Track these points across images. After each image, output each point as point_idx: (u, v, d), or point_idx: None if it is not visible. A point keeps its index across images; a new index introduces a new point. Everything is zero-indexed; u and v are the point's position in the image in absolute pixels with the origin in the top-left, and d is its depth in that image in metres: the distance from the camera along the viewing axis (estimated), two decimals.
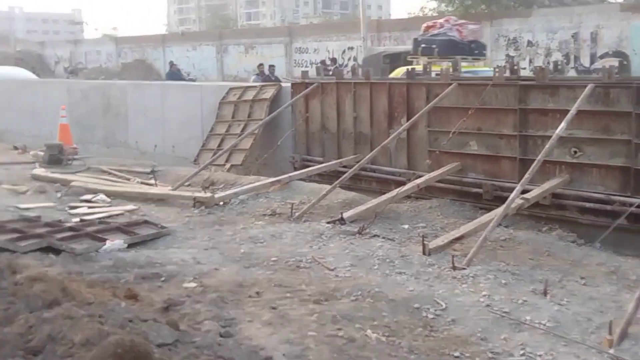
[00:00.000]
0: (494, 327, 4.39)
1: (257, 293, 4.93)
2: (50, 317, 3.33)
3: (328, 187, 8.13)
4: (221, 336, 4.00)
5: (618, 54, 18.51)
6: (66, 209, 7.97)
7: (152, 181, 9.60)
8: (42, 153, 11.61)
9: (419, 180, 8.03)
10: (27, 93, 17.45)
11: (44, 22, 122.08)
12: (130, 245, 6.20)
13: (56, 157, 11.13)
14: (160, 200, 8.44)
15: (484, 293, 4.97)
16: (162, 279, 5.25)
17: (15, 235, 6.23)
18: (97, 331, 3.16)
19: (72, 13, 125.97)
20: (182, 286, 5.05)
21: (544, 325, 4.44)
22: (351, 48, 27.40)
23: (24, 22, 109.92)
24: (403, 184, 8.28)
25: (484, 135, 8.13)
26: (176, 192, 8.64)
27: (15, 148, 13.46)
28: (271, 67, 21.64)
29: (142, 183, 9.63)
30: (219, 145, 11.25)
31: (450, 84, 8.31)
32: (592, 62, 19.75)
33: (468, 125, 8.03)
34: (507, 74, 8.17)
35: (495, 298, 4.88)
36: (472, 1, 30.31)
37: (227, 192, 8.32)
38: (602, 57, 18.82)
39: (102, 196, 8.45)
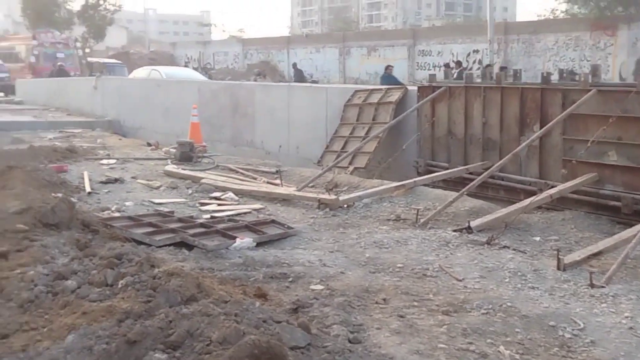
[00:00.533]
0: (638, 352, 4.10)
1: (384, 300, 4.87)
2: (188, 313, 3.41)
3: (454, 193, 7.95)
4: (350, 342, 3.96)
5: None
6: (197, 205, 8.24)
7: (278, 181, 9.76)
8: (173, 150, 12.11)
9: (552, 191, 7.69)
10: (161, 93, 18.28)
11: (175, 24, 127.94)
12: (259, 244, 6.31)
13: (187, 155, 11.56)
14: (285, 200, 8.56)
15: (626, 314, 4.66)
16: (290, 279, 5.30)
17: (150, 229, 6.51)
18: (233, 330, 3.20)
19: (201, 15, 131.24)
20: (310, 288, 5.07)
21: None
22: (476, 51, 26.82)
23: (157, 23, 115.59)
24: (533, 193, 7.97)
25: (624, 145, 7.67)
26: (301, 193, 8.73)
27: (149, 144, 14.13)
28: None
29: (268, 183, 9.81)
30: (343, 148, 11.29)
31: (589, 90, 7.90)
32: None
33: (607, 134, 7.61)
34: None
35: (639, 320, 4.56)
36: (607, 3, 28.81)
37: (351, 195, 8.31)
38: None
39: (230, 194, 8.68)
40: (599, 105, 7.92)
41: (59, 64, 32.65)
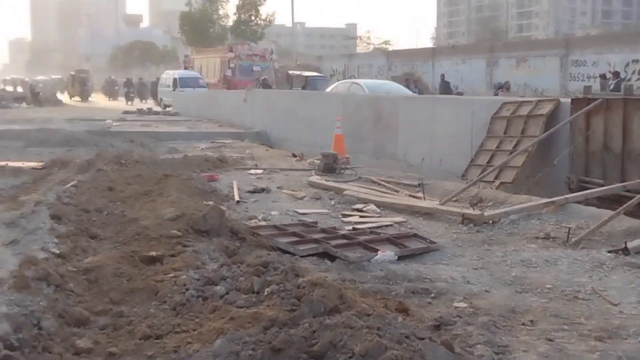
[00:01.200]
0: None
1: (531, 321, 4.65)
2: (331, 324, 3.43)
3: (609, 212, 7.48)
4: None
5: None
6: (339, 216, 8.32)
7: (420, 194, 9.66)
8: (317, 161, 12.34)
9: None
10: (306, 105, 18.73)
11: (322, 37, 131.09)
12: (400, 258, 6.25)
13: (330, 166, 11.73)
14: (427, 214, 8.44)
15: None
16: (432, 295, 5.20)
17: (294, 238, 6.65)
18: (376, 344, 3.19)
19: (346, 28, 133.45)
20: (452, 305, 4.95)
21: None
22: (636, 61, 25.23)
23: (304, 37, 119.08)
24: None
25: None
26: (444, 207, 8.57)
27: (294, 155, 14.51)
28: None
29: (410, 196, 9.73)
30: (489, 162, 10.98)
31: None
32: None
33: None
34: None
35: None
36: None
37: (497, 211, 8.06)
38: None
39: (372, 206, 8.70)
40: None
41: (262, 77, 33.01)
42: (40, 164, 11.38)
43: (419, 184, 10.20)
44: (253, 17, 53.40)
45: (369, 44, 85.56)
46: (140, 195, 8.13)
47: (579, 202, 8.49)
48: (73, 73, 52.86)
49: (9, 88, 60.86)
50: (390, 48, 70.49)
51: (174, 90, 34.11)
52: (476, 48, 38.48)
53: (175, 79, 35.61)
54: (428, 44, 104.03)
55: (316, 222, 7.58)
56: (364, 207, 8.71)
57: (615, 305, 5.01)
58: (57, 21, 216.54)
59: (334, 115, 14.90)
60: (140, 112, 30.21)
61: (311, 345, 3.39)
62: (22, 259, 5.17)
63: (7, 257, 5.83)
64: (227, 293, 4.55)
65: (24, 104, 36.01)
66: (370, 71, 43.42)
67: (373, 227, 7.55)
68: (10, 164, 11.26)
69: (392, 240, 6.70)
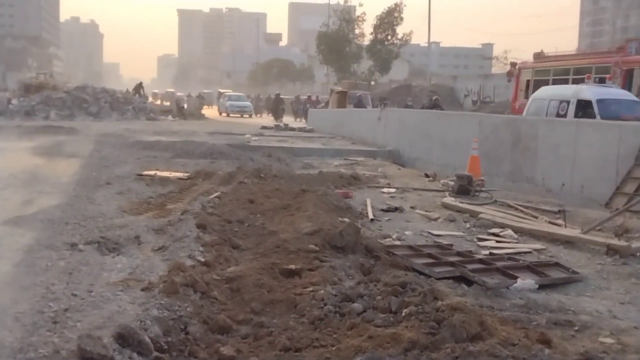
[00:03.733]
0: None
1: None
2: (475, 351, 3.38)
3: None
4: None
5: None
6: (474, 240, 8.17)
7: (560, 221, 9.28)
8: (451, 182, 12.17)
9: None
10: (441, 124, 18.53)
11: (456, 57, 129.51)
12: (541, 287, 6.04)
13: (465, 188, 11.53)
14: (568, 242, 8.11)
15: None
16: (575, 328, 4.98)
17: (430, 260, 6.60)
18: None
19: (482, 48, 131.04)
20: (598, 340, 4.72)
21: None
22: None
23: (438, 56, 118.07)
24: None
25: None
26: (587, 236, 8.18)
27: (426, 176, 14.38)
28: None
29: (549, 222, 9.38)
30: (637, 190, 10.38)
31: None
32: None
33: None
34: None
35: None
36: None
37: None
38: None
39: (509, 231, 8.47)
40: None
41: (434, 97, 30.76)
42: (186, 174, 12.00)
43: (560, 211, 9.80)
44: (389, 37, 53.65)
45: (505, 64, 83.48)
46: (279, 209, 8.38)
47: None
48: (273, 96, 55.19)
49: (158, 102, 65.07)
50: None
51: None
52: None
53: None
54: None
55: (451, 245, 7.49)
56: (501, 231, 8.50)
57: None
58: (202, 39, 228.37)
59: (468, 136, 14.65)
60: (277, 127, 31.13)
61: None
62: (171, 266, 5.49)
63: (157, 263, 6.21)
64: (364, 311, 4.59)
65: (170, 117, 38.11)
66: (507, 92, 42.25)
67: (511, 253, 7.35)
68: (159, 173, 11.96)
69: (532, 268, 6.49)
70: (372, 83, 55.62)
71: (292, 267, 5.71)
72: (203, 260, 5.98)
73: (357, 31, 56.83)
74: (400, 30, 55.82)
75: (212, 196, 9.22)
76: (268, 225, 7.50)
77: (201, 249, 6.34)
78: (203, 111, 45.36)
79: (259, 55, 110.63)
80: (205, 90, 76.31)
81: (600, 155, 11.96)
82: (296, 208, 8.29)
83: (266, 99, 54.56)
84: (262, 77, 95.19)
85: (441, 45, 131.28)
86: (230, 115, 48.33)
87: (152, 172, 11.92)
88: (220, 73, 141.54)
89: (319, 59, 59.63)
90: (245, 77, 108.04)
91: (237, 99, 52.98)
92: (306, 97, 48.67)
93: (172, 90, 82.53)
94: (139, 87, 42.29)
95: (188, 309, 4.65)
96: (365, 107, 32.46)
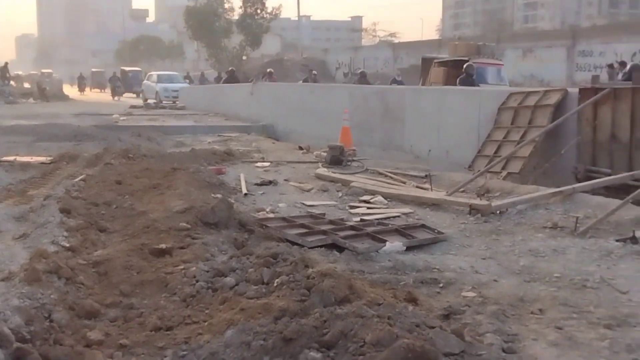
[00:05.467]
0: None
1: (540, 310, 4.66)
2: (342, 313, 3.45)
3: (616, 201, 7.47)
4: (504, 352, 3.84)
5: None
6: (346, 208, 8.34)
7: (427, 185, 9.66)
8: (324, 154, 12.35)
9: None
10: (314, 97, 18.72)
11: (327, 30, 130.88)
12: (408, 249, 6.26)
13: (337, 158, 11.73)
14: (434, 205, 8.45)
15: None
16: (440, 285, 5.22)
17: (303, 230, 6.67)
18: (387, 332, 3.21)
19: (352, 21, 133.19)
20: (461, 294, 4.97)
21: None
22: None
23: (310, 30, 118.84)
24: None
25: None
26: (451, 198, 8.58)
27: (300, 148, 14.51)
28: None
29: (417, 187, 9.74)
30: (496, 152, 10.97)
31: None
32: None
33: None
34: None
35: None
36: None
37: (505, 201, 8.06)
38: None
39: (379, 197, 8.71)
40: None
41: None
42: (49, 158, 11.42)
43: (426, 175, 10.20)
44: (259, 11, 53.31)
45: (374, 36, 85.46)
46: (149, 189, 8.17)
47: (586, 192, 8.47)
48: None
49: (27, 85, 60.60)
50: (396, 40, 70.37)
51: None
52: (482, 40, 38.30)
53: None
54: (434, 35, 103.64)
55: (324, 214, 7.61)
56: (371, 198, 8.73)
57: (624, 293, 5.01)
58: (64, 17, 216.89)
59: (341, 108, 14.90)
60: (147, 106, 30.27)
61: (322, 334, 3.41)
62: (33, 253, 5.21)
63: (18, 251, 5.88)
64: (236, 284, 4.58)
65: (31, 100, 36.10)
66: (376, 63, 43.34)
67: (381, 219, 7.57)
68: (19, 158, 11.32)
69: (400, 231, 6.72)
70: (244, 58, 55.19)
71: (163, 246, 5.59)
72: (68, 245, 5.72)
73: (226, 5, 56.08)
74: (270, 4, 55.67)
75: (76, 179, 8.83)
76: (137, 205, 7.30)
77: (65, 234, 6.07)
78: (67, 92, 43.07)
79: (125, 32, 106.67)
80: (95, 69, 68.74)
81: (463, 121, 12.53)
82: (167, 187, 8.11)
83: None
84: (130, 55, 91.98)
85: (312, 19, 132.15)
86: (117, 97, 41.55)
87: (11, 158, 11.24)
88: (85, 52, 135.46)
89: (188, 35, 58.42)
90: (112, 56, 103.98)
91: (169, 79, 37.23)
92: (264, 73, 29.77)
93: (49, 70, 73.85)
94: (4, 68, 39.05)
95: (52, 296, 4.44)
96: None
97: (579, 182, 9.14)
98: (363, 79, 23.46)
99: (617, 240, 6.47)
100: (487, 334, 4.07)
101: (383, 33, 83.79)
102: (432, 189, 9.42)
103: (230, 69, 30.78)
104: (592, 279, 5.34)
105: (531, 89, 12.43)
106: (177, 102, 31.36)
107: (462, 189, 9.14)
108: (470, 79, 16.38)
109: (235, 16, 55.12)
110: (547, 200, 8.12)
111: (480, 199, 8.36)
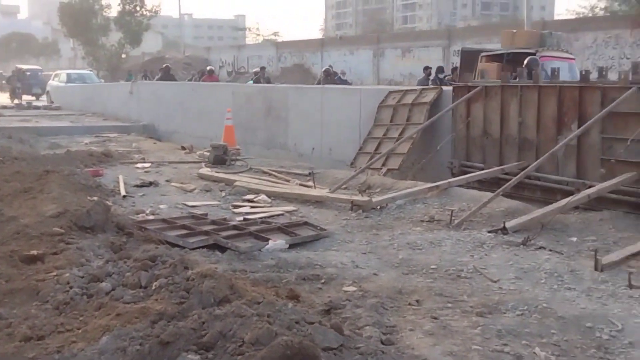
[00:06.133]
0: None
1: (417, 301, 4.82)
2: (221, 314, 3.41)
3: (489, 194, 7.85)
4: (382, 343, 3.93)
5: None
6: (230, 207, 8.27)
7: (311, 183, 9.75)
8: (207, 153, 12.20)
9: (590, 190, 7.55)
10: (196, 96, 18.43)
11: (210, 29, 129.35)
12: (291, 246, 6.30)
13: (221, 158, 11.62)
14: (317, 202, 8.55)
15: None
16: (322, 281, 5.28)
17: (184, 231, 6.55)
18: (266, 331, 3.20)
19: (235, 19, 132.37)
20: (342, 289, 5.05)
21: None
22: None
23: (192, 28, 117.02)
24: (570, 193, 7.83)
25: None
26: (334, 195, 8.71)
27: (183, 148, 14.26)
28: (261, 68, 22.18)
29: (300, 185, 9.81)
30: (376, 149, 11.24)
31: (629, 88, 7.73)
32: None
33: None
34: None
35: None
36: None
37: (385, 197, 8.27)
38: None
39: (263, 196, 8.70)
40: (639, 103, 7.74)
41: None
42: None
43: (309, 173, 10.28)
44: (138, 8, 51.86)
45: (258, 35, 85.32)
46: (20, 193, 7.73)
47: (461, 186, 8.87)
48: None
49: None
50: (280, 39, 70.63)
51: None
52: (363, 39, 39.12)
53: None
54: (317, 35, 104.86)
55: (206, 214, 7.50)
56: (255, 197, 8.70)
57: (495, 282, 5.27)
58: None
59: (224, 107, 14.76)
60: (19, 107, 28.72)
61: (201, 336, 3.35)
62: None
63: None
64: (113, 289, 4.42)
65: None
66: (260, 62, 43.21)
67: (264, 217, 7.56)
68: None
69: (283, 229, 6.74)
70: (123, 56, 53.56)
71: (34, 252, 5.31)
72: None
73: (103, 2, 54.15)
74: (150, 2, 54.33)
75: None
76: (6, 211, 6.87)
77: None
78: None
79: None
80: None
81: (344, 119, 12.75)
82: (39, 191, 7.71)
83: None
84: (0, 54, 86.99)
85: (194, 17, 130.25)
86: None
87: None
88: None
89: (64, 32, 55.97)
90: None
91: (81, 79, 34.05)
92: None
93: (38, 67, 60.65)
94: None
95: None
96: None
97: (455, 176, 9.53)
98: (262, 73, 22.53)
99: (489, 232, 6.79)
100: (367, 326, 4.16)
101: (267, 32, 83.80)
102: (315, 187, 9.52)
103: (164, 65, 25.15)
104: (466, 269, 5.58)
105: (408, 88, 12.81)
106: None
107: (344, 186, 9.30)
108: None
109: (114, 13, 53.38)
110: (424, 195, 8.41)
111: (362, 195, 8.54)
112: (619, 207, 7.72)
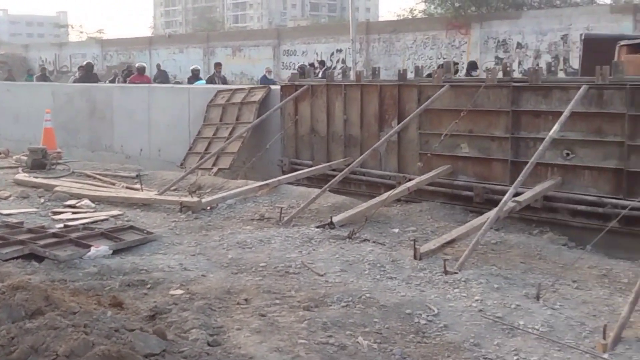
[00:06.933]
0: (487, 333, 4.30)
1: (246, 300, 4.82)
2: (33, 327, 3.20)
3: (317, 190, 8.04)
4: (209, 345, 3.88)
5: None
6: (49, 214, 7.80)
7: (138, 186, 9.45)
8: (25, 157, 11.41)
9: (409, 184, 7.95)
10: (11, 97, 17.22)
11: (29, 25, 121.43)
12: (115, 252, 6.05)
13: (40, 162, 10.92)
14: (145, 205, 8.29)
15: (476, 298, 4.89)
16: (148, 286, 5.12)
17: None
18: (82, 342, 3.04)
19: (57, 16, 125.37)
20: (169, 293, 4.92)
21: (537, 330, 4.36)
22: (340, 50, 27.36)
23: (8, 25, 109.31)
24: (393, 187, 8.20)
25: (475, 138, 8.06)
26: (162, 197, 8.49)
27: None
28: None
29: (127, 188, 9.47)
30: (206, 149, 11.12)
31: (442, 86, 8.23)
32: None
33: (460, 127, 7.95)
34: (500, 75, 8.10)
35: (488, 303, 4.79)
36: (462, 3, 30.26)
37: (214, 197, 8.20)
38: None
39: (86, 201, 8.29)
40: (452, 100, 8.26)
41: None
42: None
43: (137, 175, 9.96)
44: None
45: (82, 32, 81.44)
46: None
47: (291, 183, 9.00)
48: None
49: None
50: (105, 37, 67.91)
51: None
52: (193, 38, 38.48)
53: None
54: (147, 33, 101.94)
55: (22, 223, 7.01)
56: (77, 202, 8.27)
57: (322, 275, 5.40)
58: None
59: (43, 108, 13.89)
60: None
61: (10, 352, 3.12)
62: None
63: None
64: None
65: None
66: (84, 60, 41.22)
67: (87, 223, 7.20)
68: None
69: (107, 235, 6.46)
70: None
71: None
72: None
73: None
74: None
75: None
76: None
77: None
78: None
79: None
80: None
81: (173, 119, 12.51)
82: None
83: None
84: None
85: (10, 12, 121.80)
86: None
87: None
88: None
89: None
90: None
91: None
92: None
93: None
94: None
95: None
96: None
97: (285, 174, 9.65)
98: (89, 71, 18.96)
99: (317, 227, 6.95)
100: (193, 329, 4.08)
101: (91, 29, 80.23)
102: (142, 189, 9.23)
103: (86, 62, 20.33)
104: (294, 265, 5.67)
105: (237, 87, 12.81)
106: None
107: (173, 188, 9.10)
108: None
109: None
110: (255, 194, 8.45)
111: (192, 196, 8.40)
112: (436, 199, 8.21)
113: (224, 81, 18.68)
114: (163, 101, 12.97)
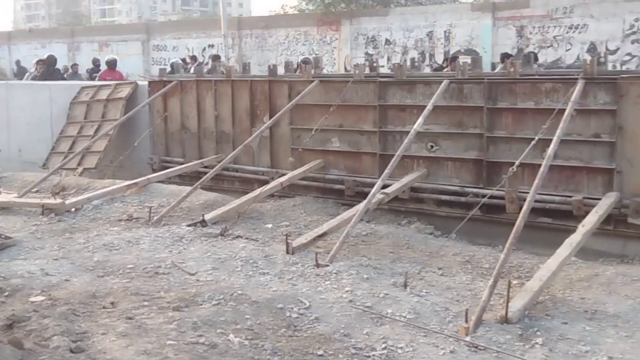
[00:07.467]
0: (357, 323, 4.38)
1: (112, 303, 4.64)
2: None
3: (189, 188, 7.88)
4: (72, 352, 3.70)
5: (469, 51, 19.39)
6: None
7: None
8: None
9: (282, 179, 7.97)
10: None
11: None
12: None
13: None
14: (4, 208, 7.82)
15: (346, 289, 4.96)
16: (6, 293, 4.81)
17: None
18: None
19: None
20: (29, 300, 4.65)
21: (404, 317, 4.49)
22: (212, 45, 27.00)
23: None
24: (267, 182, 8.19)
25: (345, 132, 8.20)
26: (22, 199, 8.04)
27: None
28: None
29: None
30: (71, 148, 10.63)
31: (312, 81, 8.30)
32: (445, 60, 20.56)
33: (330, 122, 8.03)
34: (367, 71, 8.27)
35: (358, 293, 4.88)
36: (332, 0, 30.68)
37: (79, 198, 7.86)
38: (455, 54, 19.51)
39: None
40: (321, 95, 8.35)
41: None
42: None
43: None
44: None
45: None
46: None
47: (161, 182, 8.78)
48: None
49: None
50: None
51: None
52: (56, 32, 36.62)
53: None
54: (8, 27, 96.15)
55: None
56: None
57: (193, 274, 5.29)
58: None
59: None
60: None
61: None
62: None
63: None
64: None
65: None
66: None
67: None
68: None
69: None
70: None
71: None
72: None
73: None
74: None
75: None
76: None
77: None
78: None
79: None
80: None
81: (34, 117, 11.88)
82: None
83: None
84: None
85: None
86: None
87: None
88: None
89: None
90: None
91: None
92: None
93: None
94: None
95: None
96: None
97: (155, 172, 9.40)
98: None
99: (188, 225, 6.82)
100: (54, 336, 3.88)
101: None
102: (1, 192, 8.69)
103: (48, 55, 15.86)
104: (164, 265, 5.53)
105: (102, 83, 12.29)
106: None
107: (35, 189, 8.65)
108: None
109: None
110: (123, 193, 8.18)
111: (54, 198, 8.00)
112: (309, 193, 8.29)
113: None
114: (23, 98, 12.27)
